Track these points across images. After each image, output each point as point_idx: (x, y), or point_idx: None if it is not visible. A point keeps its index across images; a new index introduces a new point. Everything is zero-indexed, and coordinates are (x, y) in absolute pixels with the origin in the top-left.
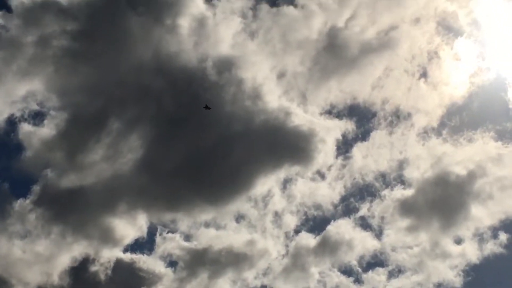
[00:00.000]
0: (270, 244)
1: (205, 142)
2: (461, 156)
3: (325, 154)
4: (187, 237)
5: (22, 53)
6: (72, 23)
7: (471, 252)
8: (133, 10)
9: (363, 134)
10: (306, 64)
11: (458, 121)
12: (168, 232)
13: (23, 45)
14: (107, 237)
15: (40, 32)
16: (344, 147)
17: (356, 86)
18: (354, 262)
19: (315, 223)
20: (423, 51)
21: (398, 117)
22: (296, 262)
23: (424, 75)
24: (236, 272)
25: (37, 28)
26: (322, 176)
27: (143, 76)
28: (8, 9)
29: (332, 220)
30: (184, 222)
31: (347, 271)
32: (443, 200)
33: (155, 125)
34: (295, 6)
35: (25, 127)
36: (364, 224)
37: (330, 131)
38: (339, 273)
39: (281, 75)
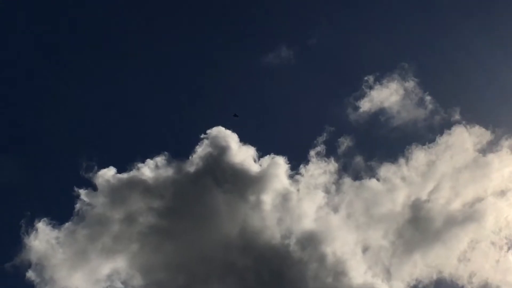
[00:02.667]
0: None
1: None
2: None
3: None
4: None
5: (107, 231)
6: (157, 200)
7: None
8: (219, 187)
9: None
10: (389, 238)
11: None
12: None
13: (108, 223)
14: None
15: (125, 210)
16: None
17: (442, 259)
18: None
19: None
20: (510, 223)
21: None
22: None
23: None
24: None
25: (122, 206)
26: None
27: (227, 252)
28: (93, 187)
29: None
30: None
31: None
32: None
33: None
34: (378, 179)
35: None
36: None
37: None
38: None
39: (365, 250)
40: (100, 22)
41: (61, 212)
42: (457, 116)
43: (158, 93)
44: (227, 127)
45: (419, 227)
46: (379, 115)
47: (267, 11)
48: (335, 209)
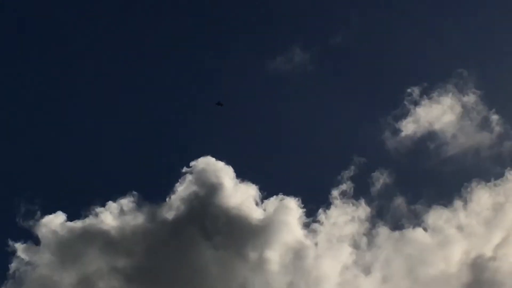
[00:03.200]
0: None
1: None
2: None
3: None
4: None
5: None
6: (123, 259)
7: None
8: (208, 240)
9: None
10: None
11: None
12: None
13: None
14: None
15: (79, 271)
16: None
17: None
18: None
19: None
20: None
21: None
22: None
23: None
24: None
25: (75, 266)
26: None
27: None
28: (35, 240)
29: None
30: None
31: None
32: None
33: None
34: (425, 229)
35: None
36: None
37: None
38: None
39: None
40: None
41: None
42: None
43: (125, 109)
44: (218, 157)
45: None
46: (427, 141)
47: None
48: (366, 270)
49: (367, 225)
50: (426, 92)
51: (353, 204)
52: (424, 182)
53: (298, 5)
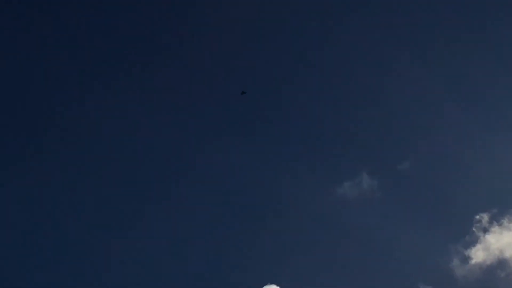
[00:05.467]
0: None
1: None
2: None
3: None
4: None
5: None
6: None
7: None
8: None
9: None
10: None
11: None
12: None
13: None
14: None
15: None
16: None
17: None
18: None
19: None
20: None
21: None
22: None
23: None
24: None
25: None
26: None
27: None
28: None
29: None
30: None
31: None
32: None
33: None
34: None
35: None
36: None
37: None
38: None
39: None
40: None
41: None
42: None
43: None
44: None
45: None
46: (497, 269)
47: (342, 128)
48: None
49: None
50: (496, 219)
51: None
52: None
53: (366, 131)
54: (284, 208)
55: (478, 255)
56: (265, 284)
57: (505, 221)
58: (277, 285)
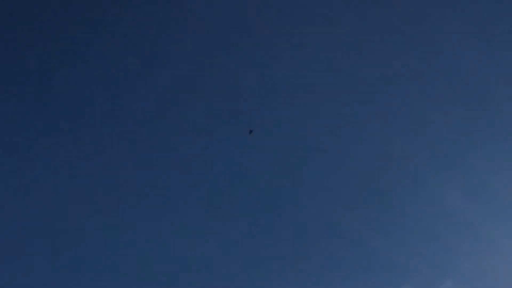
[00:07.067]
0: None
1: None
2: None
3: None
4: None
5: None
6: None
7: None
8: None
9: None
10: None
11: None
12: None
13: None
14: None
15: None
16: None
17: None
18: None
19: None
20: None
21: None
22: None
23: None
24: None
25: None
26: None
27: None
28: None
29: None
30: None
31: None
32: None
33: None
34: None
35: None
36: None
37: None
38: None
39: None
40: None
41: None
42: None
43: None
44: None
45: None
46: None
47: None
48: None
49: None
50: None
51: None
52: None
53: (409, 249)
54: None
55: None
56: None
57: None
58: None
